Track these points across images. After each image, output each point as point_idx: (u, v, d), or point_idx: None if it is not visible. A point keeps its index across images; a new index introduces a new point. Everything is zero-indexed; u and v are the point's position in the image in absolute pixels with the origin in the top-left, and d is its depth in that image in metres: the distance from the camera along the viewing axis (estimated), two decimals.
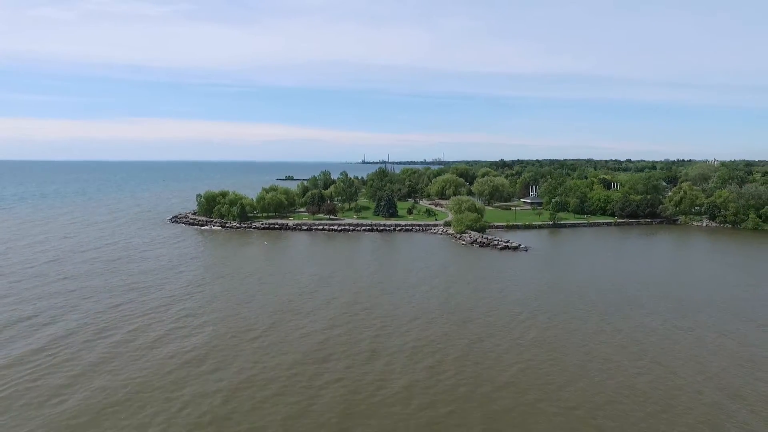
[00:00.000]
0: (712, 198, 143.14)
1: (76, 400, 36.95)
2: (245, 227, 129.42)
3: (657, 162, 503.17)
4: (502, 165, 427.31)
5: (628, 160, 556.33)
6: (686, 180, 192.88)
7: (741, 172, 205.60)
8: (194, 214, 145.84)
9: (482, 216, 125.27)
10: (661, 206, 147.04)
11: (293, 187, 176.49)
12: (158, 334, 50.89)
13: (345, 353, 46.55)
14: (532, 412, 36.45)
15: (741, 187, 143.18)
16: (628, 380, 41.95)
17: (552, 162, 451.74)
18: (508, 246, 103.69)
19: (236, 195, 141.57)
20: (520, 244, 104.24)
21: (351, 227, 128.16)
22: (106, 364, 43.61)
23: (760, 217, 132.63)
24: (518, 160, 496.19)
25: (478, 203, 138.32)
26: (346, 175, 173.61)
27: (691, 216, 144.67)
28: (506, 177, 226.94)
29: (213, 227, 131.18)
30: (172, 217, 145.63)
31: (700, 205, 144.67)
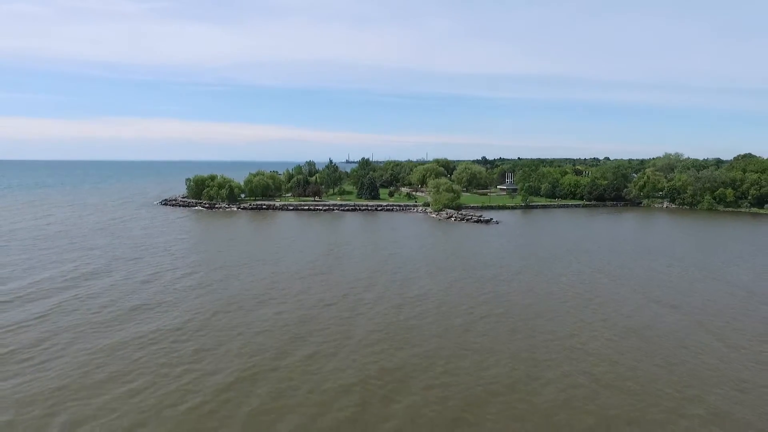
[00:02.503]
0: (672, 182, 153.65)
1: (130, 330, 40.20)
2: (234, 208, 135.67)
3: (633, 160, 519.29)
4: (484, 162, 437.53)
5: (606, 158, 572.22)
6: (653, 168, 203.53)
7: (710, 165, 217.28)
8: (184, 197, 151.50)
9: (459, 196, 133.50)
10: (625, 189, 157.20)
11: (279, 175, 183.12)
12: (191, 282, 55.12)
13: (360, 293, 53.53)
14: (501, 319, 44.28)
15: (698, 172, 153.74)
16: (597, 300, 50.24)
17: (533, 160, 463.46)
18: (481, 220, 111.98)
19: (224, 178, 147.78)
20: (492, 218, 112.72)
21: (335, 207, 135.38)
22: (150, 303, 47.28)
23: (714, 198, 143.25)
24: (500, 159, 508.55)
25: (456, 186, 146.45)
26: (331, 161, 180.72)
27: (653, 198, 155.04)
28: (486, 170, 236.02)
29: (202, 207, 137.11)
30: (162, 200, 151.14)
31: (662, 189, 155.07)
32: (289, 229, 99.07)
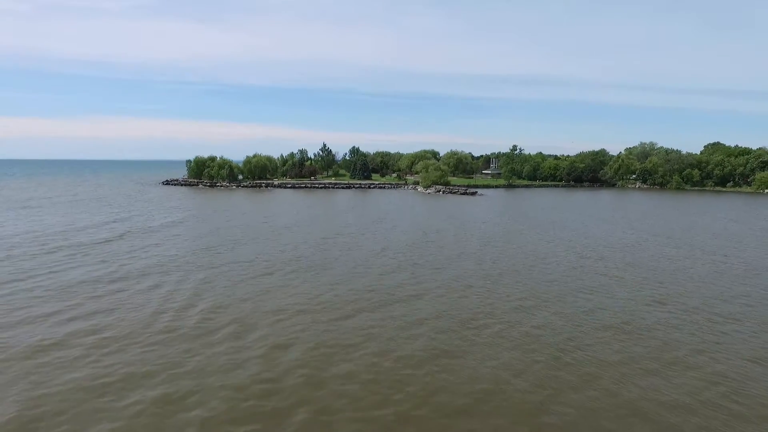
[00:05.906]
0: (644, 164, 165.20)
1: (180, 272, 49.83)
2: (234, 186, 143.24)
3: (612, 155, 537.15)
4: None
5: None
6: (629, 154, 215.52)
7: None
8: (185, 178, 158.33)
9: (447, 175, 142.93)
10: (601, 171, 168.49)
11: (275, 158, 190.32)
12: (260, 229, 63.95)
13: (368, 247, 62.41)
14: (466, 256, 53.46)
15: (668, 154, 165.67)
16: (567, 254, 59.66)
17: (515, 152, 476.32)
18: (467, 192, 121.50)
19: (224, 159, 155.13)
20: (477, 191, 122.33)
21: (330, 185, 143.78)
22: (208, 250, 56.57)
23: (682, 179, 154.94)
24: (484, 155, 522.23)
25: (444, 167, 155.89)
26: (325, 145, 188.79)
27: (627, 180, 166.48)
28: (472, 158, 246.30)
29: (204, 186, 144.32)
30: (164, 181, 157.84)
31: (635, 171, 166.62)
32: (298, 206, 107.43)
